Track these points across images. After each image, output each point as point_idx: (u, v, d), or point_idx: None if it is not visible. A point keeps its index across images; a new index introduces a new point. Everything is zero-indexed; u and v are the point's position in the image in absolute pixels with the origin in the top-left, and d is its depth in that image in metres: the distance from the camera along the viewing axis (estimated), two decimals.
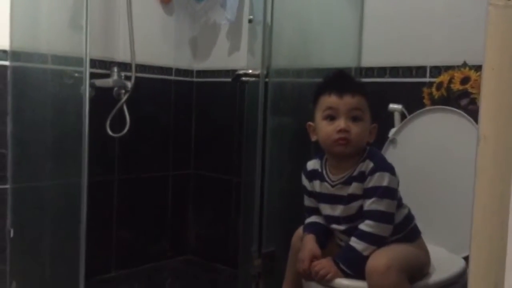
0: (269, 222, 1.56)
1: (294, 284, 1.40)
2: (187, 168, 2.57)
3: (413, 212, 1.35)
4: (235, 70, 1.63)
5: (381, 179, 1.24)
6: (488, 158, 0.59)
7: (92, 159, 1.52)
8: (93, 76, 2.00)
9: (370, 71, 1.90)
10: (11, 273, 1.89)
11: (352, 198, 1.28)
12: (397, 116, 1.73)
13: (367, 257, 1.20)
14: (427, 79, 1.75)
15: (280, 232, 1.59)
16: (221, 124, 2.45)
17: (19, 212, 1.87)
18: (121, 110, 2.17)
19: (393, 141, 1.70)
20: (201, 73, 2.55)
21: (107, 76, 2.16)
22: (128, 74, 2.20)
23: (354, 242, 1.23)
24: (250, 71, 1.58)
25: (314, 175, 1.36)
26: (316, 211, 1.38)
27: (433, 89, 1.67)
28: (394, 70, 1.85)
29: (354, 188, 1.27)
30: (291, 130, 1.67)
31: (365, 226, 1.23)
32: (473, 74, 1.59)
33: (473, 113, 1.47)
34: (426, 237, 1.35)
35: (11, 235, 1.87)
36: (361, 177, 1.26)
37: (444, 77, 1.66)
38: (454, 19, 1.69)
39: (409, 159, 1.64)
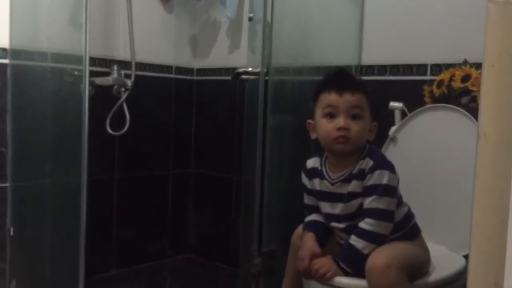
0: (269, 221, 1.56)
1: (294, 282, 1.39)
2: (187, 166, 2.57)
3: (414, 210, 1.35)
4: (235, 68, 1.62)
5: (381, 177, 1.23)
6: (488, 156, 0.59)
7: (92, 158, 1.52)
8: (93, 74, 2.00)
9: (370, 69, 1.90)
10: (10, 271, 1.89)
11: (351, 196, 1.27)
12: (397, 114, 1.73)
13: (367, 256, 1.20)
14: (427, 77, 1.75)
15: (280, 230, 1.59)
16: (221, 122, 2.45)
17: (19, 211, 1.88)
18: (121, 108, 2.17)
19: (394, 139, 1.69)
20: (201, 71, 2.55)
21: (107, 74, 2.16)
22: (128, 72, 2.19)
23: (354, 240, 1.23)
24: (250, 69, 1.57)
25: (313, 173, 1.36)
26: (316, 209, 1.38)
27: (434, 87, 1.67)
28: (395, 68, 1.84)
29: (353, 186, 1.27)
30: (291, 128, 1.67)
31: (365, 224, 1.23)
32: (474, 72, 1.58)
33: (474, 111, 1.47)
34: (426, 235, 1.35)
35: (11, 233, 1.87)
36: (361, 175, 1.26)
37: (444, 75, 1.65)
38: (455, 17, 1.69)
39: (409, 157, 1.63)
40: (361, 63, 1.92)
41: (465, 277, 1.31)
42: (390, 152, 1.67)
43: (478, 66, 1.56)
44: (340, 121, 1.25)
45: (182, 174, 2.55)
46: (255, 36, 1.63)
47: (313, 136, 1.35)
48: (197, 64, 2.56)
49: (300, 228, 1.40)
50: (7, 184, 1.88)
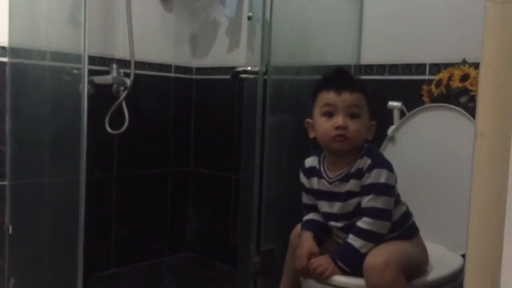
0: (267, 220, 1.56)
1: (292, 281, 1.39)
2: (186, 165, 2.57)
3: (412, 209, 1.35)
4: (234, 67, 1.62)
5: (379, 176, 1.24)
6: (485, 154, 0.59)
7: (91, 156, 1.52)
8: (92, 73, 2.00)
9: (369, 68, 1.90)
10: (9, 269, 1.89)
11: (349, 195, 1.27)
12: (396, 114, 1.73)
13: (365, 255, 1.20)
14: (426, 77, 1.75)
15: (278, 229, 1.59)
16: (220, 121, 2.45)
17: (17, 209, 1.87)
18: (120, 107, 2.17)
19: (392, 139, 1.70)
20: (201, 70, 2.55)
21: (106, 73, 2.16)
22: (127, 71, 2.19)
23: (352, 239, 1.23)
24: (249, 68, 1.58)
25: (312, 172, 1.36)
26: (314, 208, 1.38)
27: (433, 87, 1.67)
28: (394, 68, 1.84)
29: (351, 185, 1.27)
30: (290, 127, 1.67)
31: (363, 223, 1.23)
32: (472, 72, 1.58)
33: (473, 111, 1.47)
34: (424, 234, 1.35)
35: (10, 231, 1.87)
36: (359, 174, 1.26)
37: (443, 75, 1.65)
38: (454, 17, 1.69)
39: (408, 156, 1.63)
40: (360, 62, 1.92)
41: (463, 276, 1.32)
42: (389, 152, 1.67)
43: (477, 66, 1.56)
44: (339, 120, 1.26)
45: (181, 172, 2.55)
46: (254, 35, 1.64)
47: (312, 135, 1.35)
48: (196, 63, 2.56)
49: (298, 227, 1.40)
50: (5, 182, 1.88)
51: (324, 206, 1.33)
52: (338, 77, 1.33)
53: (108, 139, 2.18)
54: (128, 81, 2.17)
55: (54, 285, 1.70)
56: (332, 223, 1.33)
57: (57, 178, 1.73)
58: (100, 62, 2.16)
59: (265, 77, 1.54)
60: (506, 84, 0.59)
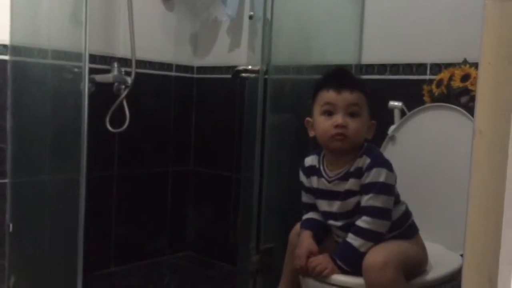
0: (267, 219, 1.56)
1: (291, 280, 1.40)
2: (186, 164, 2.57)
3: (412, 209, 1.35)
4: (235, 67, 1.62)
5: (378, 175, 1.24)
6: (483, 153, 0.59)
7: (92, 155, 1.52)
8: (93, 71, 2.00)
9: (370, 68, 1.90)
10: (9, 267, 1.89)
11: (349, 194, 1.27)
12: (397, 113, 1.73)
13: (364, 254, 1.20)
14: (427, 76, 1.75)
15: (278, 228, 1.59)
16: (221, 120, 2.45)
17: (18, 207, 1.88)
18: (121, 105, 2.17)
19: (393, 138, 1.69)
20: (202, 69, 2.55)
21: (107, 71, 2.16)
22: (128, 69, 2.19)
23: (351, 239, 1.23)
24: (250, 67, 1.58)
25: (311, 171, 1.36)
26: (313, 207, 1.38)
27: (433, 86, 1.67)
28: (395, 67, 1.84)
29: (351, 184, 1.27)
30: (290, 126, 1.67)
31: (362, 222, 1.23)
32: (473, 72, 1.58)
33: (473, 111, 1.46)
34: (424, 234, 1.35)
35: (10, 229, 1.88)
36: (358, 173, 1.26)
37: (444, 75, 1.65)
38: (455, 17, 1.69)
39: (408, 156, 1.63)
40: (361, 62, 1.92)
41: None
42: (389, 151, 1.67)
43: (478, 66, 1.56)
44: (338, 118, 1.25)
45: (182, 171, 2.55)
46: (255, 35, 1.64)
47: (311, 134, 1.35)
48: (197, 62, 2.56)
49: (298, 226, 1.40)
50: (6, 180, 1.88)
51: (323, 205, 1.33)
52: (338, 76, 1.33)
53: (108, 137, 2.19)
54: (129, 80, 2.18)
55: (54, 283, 1.70)
56: (331, 222, 1.33)
57: (58, 176, 1.73)
58: (101, 61, 2.16)
59: (266, 76, 1.54)
60: (504, 82, 0.59)
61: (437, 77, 1.68)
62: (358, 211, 1.26)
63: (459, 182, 1.41)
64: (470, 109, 1.52)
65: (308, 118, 1.35)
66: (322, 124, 1.28)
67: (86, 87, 1.50)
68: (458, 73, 1.61)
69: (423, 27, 1.76)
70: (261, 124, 1.55)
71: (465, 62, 1.62)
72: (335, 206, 1.30)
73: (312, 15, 1.81)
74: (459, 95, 1.59)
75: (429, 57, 1.75)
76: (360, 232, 1.23)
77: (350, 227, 1.26)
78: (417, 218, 1.35)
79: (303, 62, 1.80)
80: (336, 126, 1.25)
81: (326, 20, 1.84)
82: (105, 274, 2.24)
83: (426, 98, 1.69)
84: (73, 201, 1.51)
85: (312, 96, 1.34)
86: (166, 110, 2.46)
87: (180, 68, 2.50)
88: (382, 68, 1.87)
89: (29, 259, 1.84)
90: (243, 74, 1.59)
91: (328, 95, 1.28)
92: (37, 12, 1.82)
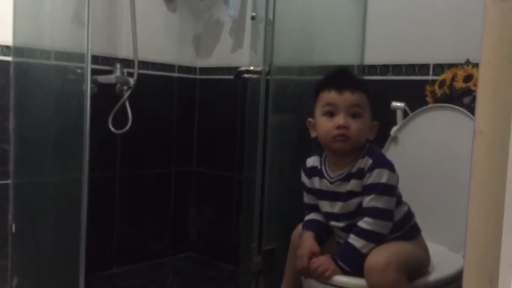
0: (269, 220, 1.56)
1: (293, 281, 1.39)
2: (189, 165, 2.57)
3: (414, 210, 1.34)
4: (238, 68, 1.62)
5: (380, 176, 1.23)
6: (484, 153, 0.59)
7: (94, 155, 1.52)
8: (95, 72, 2.00)
9: (372, 68, 1.90)
10: (12, 268, 1.89)
11: (351, 195, 1.27)
12: (399, 114, 1.72)
13: (365, 255, 1.19)
14: (430, 77, 1.74)
15: (280, 229, 1.59)
16: (223, 121, 2.45)
17: (20, 207, 1.88)
18: (123, 106, 2.17)
19: (395, 139, 1.69)
20: (204, 70, 2.55)
21: (110, 72, 2.17)
22: (131, 70, 2.20)
23: (353, 239, 1.23)
24: (252, 68, 1.58)
25: (313, 172, 1.36)
26: (315, 208, 1.38)
27: (436, 87, 1.66)
28: (397, 68, 1.84)
29: (353, 185, 1.26)
30: (292, 127, 1.67)
31: (364, 223, 1.23)
32: (476, 72, 1.58)
33: None
34: (426, 235, 1.35)
35: (13, 230, 1.88)
36: (360, 174, 1.25)
37: (447, 75, 1.65)
38: (457, 17, 1.68)
39: (410, 157, 1.63)
40: (363, 62, 1.92)
41: None
42: (391, 152, 1.67)
43: None
44: (340, 119, 1.25)
45: (184, 172, 2.55)
46: (257, 35, 1.64)
47: (313, 134, 1.34)
48: (200, 63, 2.56)
49: (300, 227, 1.40)
50: (9, 181, 1.89)
51: (325, 206, 1.33)
52: (340, 77, 1.33)
53: (111, 138, 2.19)
54: (132, 81, 2.18)
55: (56, 284, 1.71)
56: (333, 223, 1.32)
57: (60, 177, 1.73)
58: (104, 62, 2.17)
59: (268, 77, 1.54)
60: (505, 82, 0.59)
61: (439, 78, 1.67)
62: (360, 212, 1.26)
63: (462, 183, 1.41)
64: (472, 109, 1.51)
65: (309, 119, 1.35)
66: (323, 125, 1.28)
67: (88, 88, 1.50)
68: (460, 73, 1.60)
69: (425, 27, 1.76)
70: (263, 124, 1.55)
71: (467, 62, 1.62)
72: (337, 207, 1.30)
73: (314, 16, 1.81)
74: (462, 95, 1.58)
75: (431, 58, 1.75)
76: (362, 233, 1.22)
77: (352, 228, 1.25)
78: (419, 219, 1.35)
79: (305, 62, 1.80)
80: (338, 127, 1.25)
81: (328, 21, 1.84)
82: (107, 275, 2.24)
83: (428, 99, 1.69)
84: (75, 202, 1.51)
85: (314, 96, 1.33)
86: (169, 111, 2.47)
87: (182, 69, 2.50)
88: (385, 68, 1.87)
89: (32, 260, 1.84)
90: (245, 75, 1.59)
91: (330, 96, 1.28)
92: (40, 13, 1.83)
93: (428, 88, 1.70)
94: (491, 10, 0.61)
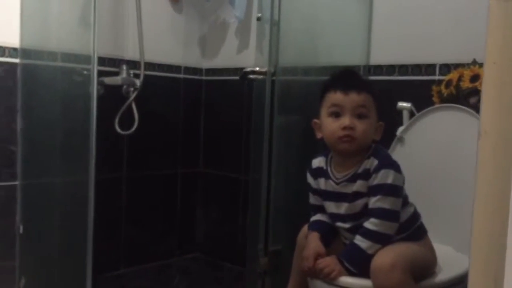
0: (275, 221, 1.56)
1: (299, 281, 1.39)
2: (195, 166, 2.57)
3: (421, 210, 1.34)
4: (243, 68, 1.62)
5: (386, 177, 1.23)
6: (489, 153, 0.58)
7: (101, 157, 1.53)
8: (102, 74, 2.01)
9: (379, 69, 1.89)
10: (20, 269, 1.91)
11: (356, 195, 1.27)
12: (405, 114, 1.72)
13: (371, 256, 1.19)
14: (436, 77, 1.74)
15: (286, 230, 1.59)
16: (229, 122, 2.45)
17: (28, 209, 1.89)
18: (129, 108, 2.18)
19: (401, 139, 1.69)
20: (210, 71, 2.55)
21: (116, 74, 2.18)
22: (137, 72, 2.21)
23: (359, 240, 1.23)
24: (257, 68, 1.58)
25: (319, 172, 1.36)
26: (321, 209, 1.38)
27: (442, 87, 1.66)
28: (403, 68, 1.83)
29: (358, 185, 1.26)
30: (298, 128, 1.67)
31: (370, 224, 1.22)
32: (482, 72, 1.56)
33: None
34: (432, 235, 1.34)
35: (20, 231, 1.89)
36: (366, 175, 1.25)
37: (453, 75, 1.64)
38: (464, 17, 1.67)
39: (417, 157, 1.62)
40: (369, 63, 1.91)
41: None
42: (398, 152, 1.66)
43: None
44: (345, 120, 1.25)
45: (190, 173, 2.55)
46: (263, 36, 1.64)
47: (319, 135, 1.34)
48: (205, 64, 2.57)
49: (305, 228, 1.40)
50: (17, 182, 1.90)
51: (331, 207, 1.33)
52: (346, 77, 1.33)
53: (117, 139, 2.20)
54: (138, 82, 2.19)
55: (64, 285, 1.71)
56: (339, 224, 1.32)
57: (67, 178, 1.74)
58: (110, 63, 2.18)
59: (274, 77, 1.55)
60: (510, 82, 0.59)
61: (446, 78, 1.67)
62: (366, 213, 1.25)
63: (468, 183, 1.40)
64: (479, 110, 1.50)
65: (315, 120, 1.35)
66: (329, 126, 1.28)
67: (95, 89, 1.51)
68: (467, 73, 1.59)
69: (432, 27, 1.75)
70: (269, 125, 1.55)
71: (474, 62, 1.61)
72: (342, 208, 1.29)
73: (319, 16, 1.81)
74: (468, 95, 1.57)
75: (438, 58, 1.74)
76: (368, 234, 1.22)
77: (358, 229, 1.25)
78: (426, 220, 1.34)
79: (310, 63, 1.79)
80: (344, 128, 1.25)
81: (334, 21, 1.84)
82: (114, 276, 2.25)
83: (435, 99, 1.68)
84: (82, 203, 1.52)
85: (320, 97, 1.33)
86: (175, 112, 2.47)
87: (188, 70, 2.51)
88: (391, 69, 1.86)
89: (39, 261, 1.85)
90: (251, 76, 1.59)
91: (336, 97, 1.27)
92: (47, 15, 1.84)
93: (434, 88, 1.69)
94: (495, 10, 0.61)
